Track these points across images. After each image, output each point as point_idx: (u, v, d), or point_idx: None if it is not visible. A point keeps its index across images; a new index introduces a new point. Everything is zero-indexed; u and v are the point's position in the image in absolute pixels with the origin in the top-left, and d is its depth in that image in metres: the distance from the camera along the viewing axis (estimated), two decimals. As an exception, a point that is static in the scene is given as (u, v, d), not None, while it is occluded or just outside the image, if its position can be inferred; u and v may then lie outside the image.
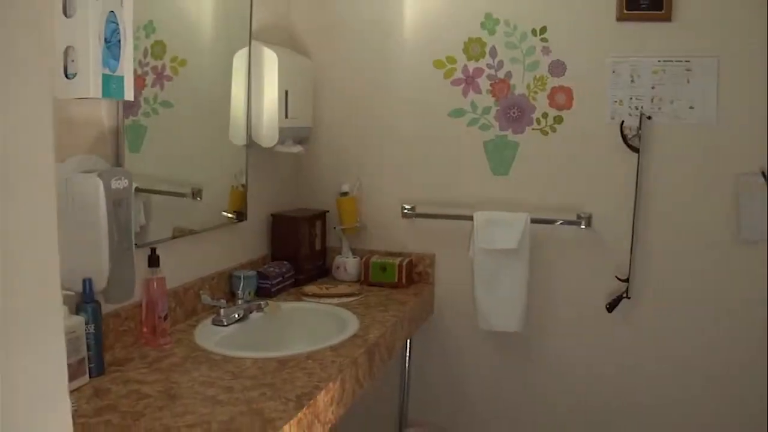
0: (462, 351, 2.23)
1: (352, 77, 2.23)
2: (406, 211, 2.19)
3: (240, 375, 1.29)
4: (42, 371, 0.52)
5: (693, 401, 2.07)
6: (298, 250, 2.09)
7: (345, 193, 2.21)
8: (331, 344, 1.49)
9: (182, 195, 1.74)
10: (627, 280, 2.06)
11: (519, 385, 2.20)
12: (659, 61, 2.00)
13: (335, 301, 1.90)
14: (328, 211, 2.24)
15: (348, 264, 2.17)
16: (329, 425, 1.27)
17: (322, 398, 1.22)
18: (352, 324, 1.65)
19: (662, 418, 2.09)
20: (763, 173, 1.98)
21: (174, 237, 1.62)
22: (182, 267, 1.64)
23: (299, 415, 1.12)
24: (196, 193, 1.80)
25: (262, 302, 1.73)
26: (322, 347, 1.46)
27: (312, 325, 1.77)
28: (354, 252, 2.20)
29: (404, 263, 2.11)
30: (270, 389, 1.22)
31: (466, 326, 2.18)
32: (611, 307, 2.08)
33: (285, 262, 2.04)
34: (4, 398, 0.47)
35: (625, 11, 1.99)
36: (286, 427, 1.08)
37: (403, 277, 2.09)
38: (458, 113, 2.13)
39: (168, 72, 1.60)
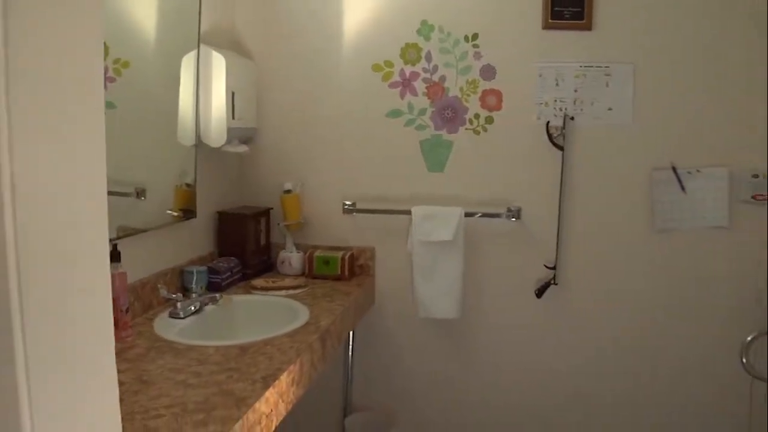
0: (402, 339, 2.55)
1: (294, 80, 2.49)
2: (347, 207, 2.50)
3: (205, 361, 1.54)
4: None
5: (614, 376, 2.49)
6: (244, 246, 2.37)
7: (288, 191, 2.48)
8: (286, 332, 1.76)
9: (126, 195, 1.93)
10: (554, 268, 2.46)
11: (457, 369, 2.57)
12: (581, 66, 2.39)
13: (283, 293, 2.17)
14: (272, 208, 2.51)
15: (292, 258, 2.47)
16: (291, 404, 1.57)
17: (285, 379, 1.48)
18: (302, 313, 1.92)
19: (586, 391, 2.52)
20: (673, 168, 2.41)
21: (118, 237, 1.80)
22: (137, 263, 1.86)
23: (266, 393, 1.37)
24: (141, 193, 2.02)
25: (216, 295, 1.99)
26: (278, 334, 1.72)
27: (265, 315, 2.03)
28: (298, 247, 2.49)
29: (346, 257, 2.43)
30: (236, 373, 1.47)
31: (406, 315, 2.50)
32: (540, 292, 2.47)
33: (232, 258, 2.32)
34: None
35: (550, 21, 2.37)
36: (257, 405, 1.32)
37: (345, 270, 2.41)
38: (396, 114, 2.44)
39: (111, 74, 1.76)
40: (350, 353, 2.58)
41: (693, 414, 2.45)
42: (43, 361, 0.64)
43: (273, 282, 2.27)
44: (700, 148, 2.37)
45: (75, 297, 0.70)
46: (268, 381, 1.45)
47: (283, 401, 1.50)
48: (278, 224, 2.52)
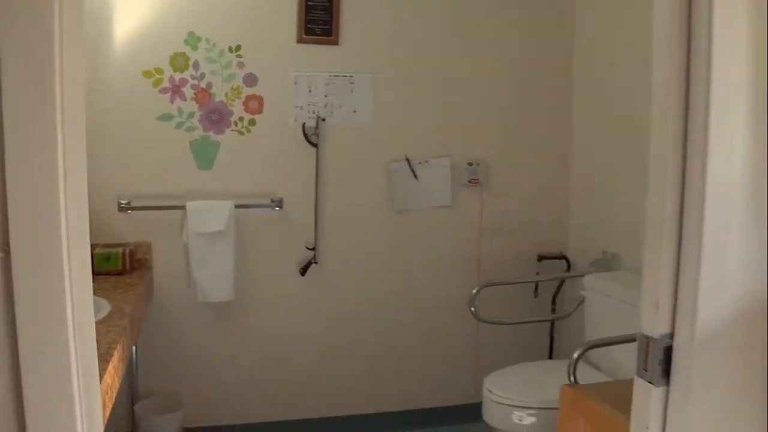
0: (184, 324, 3.31)
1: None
2: (122, 205, 3.36)
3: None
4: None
5: (369, 332, 3.69)
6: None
7: (62, 191, 3.29)
8: (98, 319, 2.39)
9: None
10: (314, 249, 3.59)
11: (236, 346, 3.55)
12: (330, 75, 3.48)
13: (71, 291, 3.05)
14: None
15: (70, 255, 3.29)
16: (119, 378, 2.45)
17: (117, 356, 2.14)
18: (103, 304, 2.56)
19: (349, 347, 3.71)
20: (407, 159, 3.67)
21: None
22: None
23: (110, 367, 2.01)
24: None
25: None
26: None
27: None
28: (74, 244, 3.33)
29: (126, 252, 3.32)
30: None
31: (186, 301, 3.28)
32: (304, 271, 3.59)
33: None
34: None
35: (304, 35, 3.40)
36: (107, 377, 1.99)
37: (127, 264, 3.26)
38: (166, 118, 3.23)
39: None
40: (134, 342, 3.51)
41: (433, 355, 3.64)
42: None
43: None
44: (428, 143, 3.57)
45: None
46: (106, 357, 2.10)
47: (117, 376, 2.43)
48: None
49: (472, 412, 3.52)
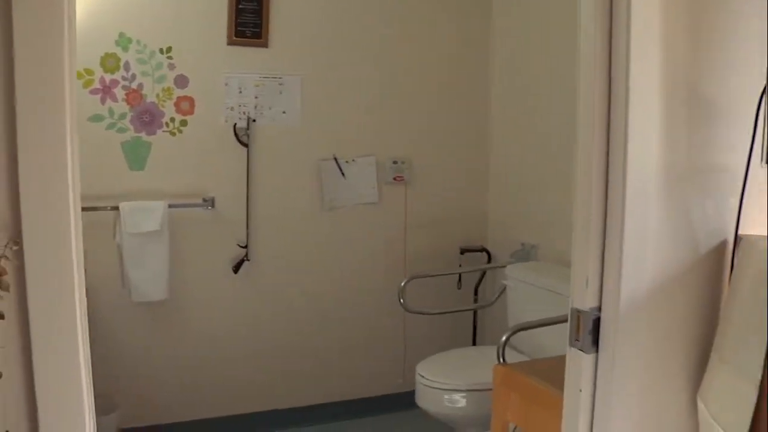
0: (118, 324, 3.36)
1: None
2: (54, 205, 3.42)
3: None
4: None
5: (301, 324, 3.87)
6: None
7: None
8: None
9: None
10: (246, 247, 3.73)
11: (171, 344, 3.64)
12: (260, 77, 3.61)
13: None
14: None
15: None
16: None
17: None
18: None
19: (283, 352, 3.75)
20: (335, 158, 3.84)
21: None
22: None
23: None
24: None
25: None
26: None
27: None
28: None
29: (58, 252, 3.37)
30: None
31: (121, 301, 3.33)
32: (236, 268, 3.71)
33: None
34: None
35: (234, 38, 3.51)
36: None
37: (60, 265, 3.35)
38: (97, 119, 3.28)
39: None
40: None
41: (363, 347, 3.82)
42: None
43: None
44: (354, 142, 3.74)
45: None
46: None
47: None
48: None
49: (402, 400, 3.76)
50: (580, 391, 1.44)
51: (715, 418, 1.35)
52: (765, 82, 1.38)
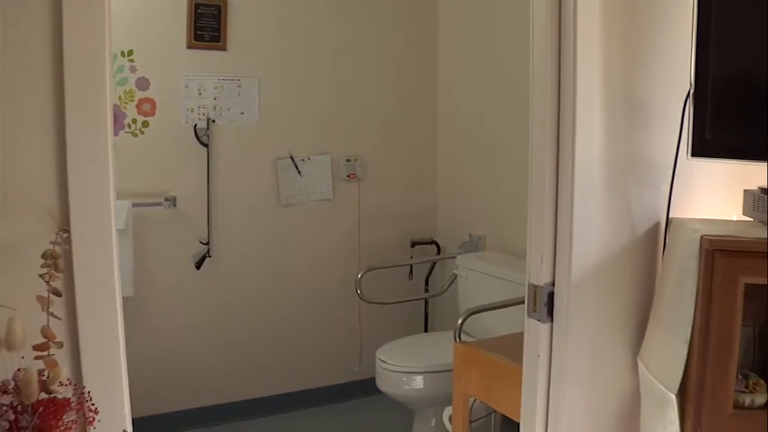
0: None
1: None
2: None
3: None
4: None
5: (260, 318, 4.01)
6: None
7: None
8: None
9: None
10: (208, 243, 3.88)
11: (137, 340, 3.76)
12: (219, 79, 3.77)
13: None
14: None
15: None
16: None
17: None
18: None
19: (244, 345, 3.86)
20: (291, 157, 4.02)
21: None
22: None
23: None
24: None
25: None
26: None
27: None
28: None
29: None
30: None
31: None
32: (198, 265, 3.86)
33: None
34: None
35: (193, 41, 3.67)
36: None
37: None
38: None
39: None
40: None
41: (320, 337, 4.00)
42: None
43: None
44: (310, 141, 3.91)
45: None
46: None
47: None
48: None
49: (359, 388, 4.02)
50: (539, 356, 1.67)
51: (654, 375, 1.59)
52: (689, 86, 1.63)
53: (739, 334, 1.45)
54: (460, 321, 2.70)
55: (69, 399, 1.10)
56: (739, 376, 1.53)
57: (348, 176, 3.95)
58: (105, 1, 1.31)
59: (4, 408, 1.00)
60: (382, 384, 3.23)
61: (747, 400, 1.52)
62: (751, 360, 1.60)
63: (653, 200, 1.69)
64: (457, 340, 2.60)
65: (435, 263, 4.15)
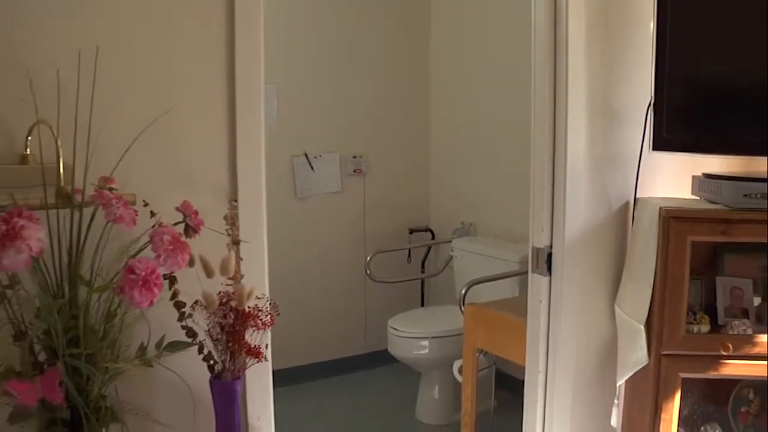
0: None
1: None
2: None
3: None
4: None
5: (279, 309, 4.60)
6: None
7: None
8: None
9: None
10: (232, 232, 4.41)
11: None
12: (242, 87, 4.33)
13: None
14: None
15: None
16: None
17: None
18: None
19: None
20: (305, 154, 4.55)
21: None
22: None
23: None
24: None
25: None
26: None
27: None
28: None
29: None
30: None
31: None
32: (224, 250, 4.40)
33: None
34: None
35: (220, 54, 4.23)
36: None
37: None
38: None
39: None
40: None
41: (330, 315, 4.51)
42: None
43: None
44: (321, 140, 4.41)
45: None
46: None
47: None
48: None
49: (365, 360, 4.59)
50: (540, 301, 2.24)
51: (628, 314, 2.17)
52: (650, 96, 2.20)
53: (688, 278, 2.01)
54: (464, 290, 3.25)
55: (259, 307, 1.61)
56: (690, 312, 2.09)
57: (354, 171, 4.49)
58: (260, 41, 1.81)
59: (224, 311, 1.54)
60: (394, 349, 3.76)
61: (695, 328, 2.08)
62: (699, 302, 2.18)
63: (625, 184, 2.24)
64: (461, 306, 3.15)
65: (430, 248, 4.69)
